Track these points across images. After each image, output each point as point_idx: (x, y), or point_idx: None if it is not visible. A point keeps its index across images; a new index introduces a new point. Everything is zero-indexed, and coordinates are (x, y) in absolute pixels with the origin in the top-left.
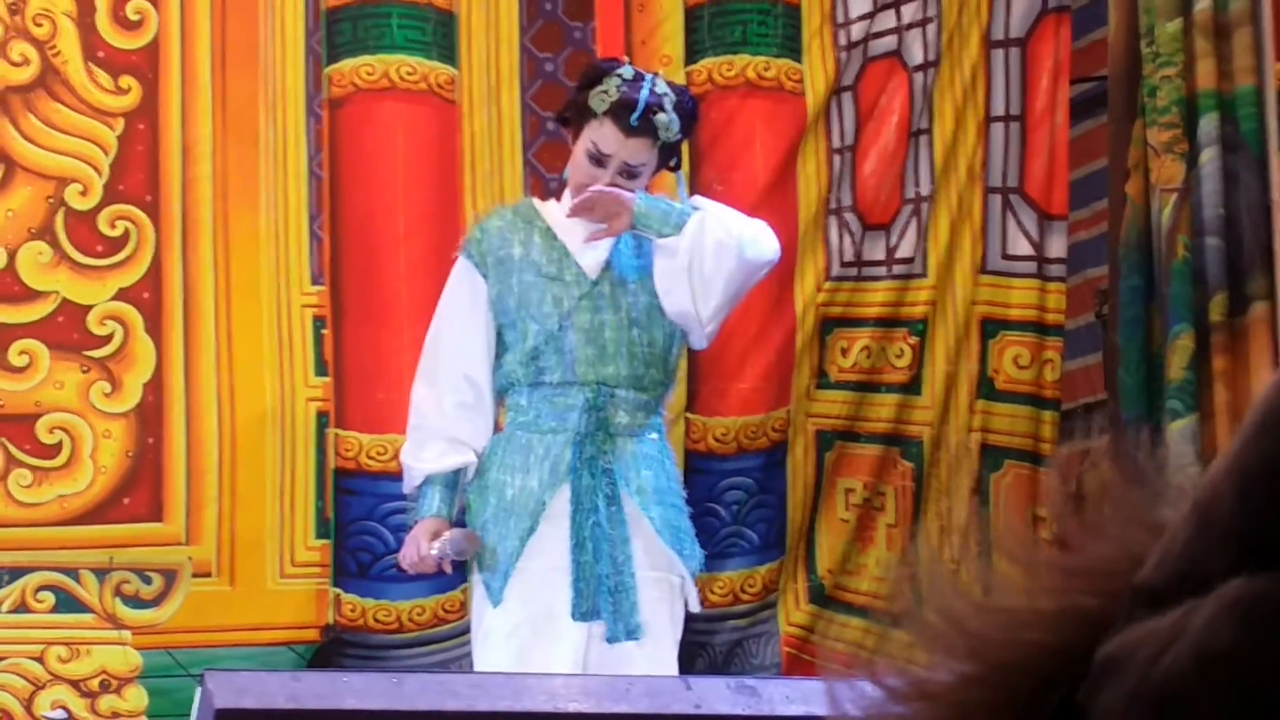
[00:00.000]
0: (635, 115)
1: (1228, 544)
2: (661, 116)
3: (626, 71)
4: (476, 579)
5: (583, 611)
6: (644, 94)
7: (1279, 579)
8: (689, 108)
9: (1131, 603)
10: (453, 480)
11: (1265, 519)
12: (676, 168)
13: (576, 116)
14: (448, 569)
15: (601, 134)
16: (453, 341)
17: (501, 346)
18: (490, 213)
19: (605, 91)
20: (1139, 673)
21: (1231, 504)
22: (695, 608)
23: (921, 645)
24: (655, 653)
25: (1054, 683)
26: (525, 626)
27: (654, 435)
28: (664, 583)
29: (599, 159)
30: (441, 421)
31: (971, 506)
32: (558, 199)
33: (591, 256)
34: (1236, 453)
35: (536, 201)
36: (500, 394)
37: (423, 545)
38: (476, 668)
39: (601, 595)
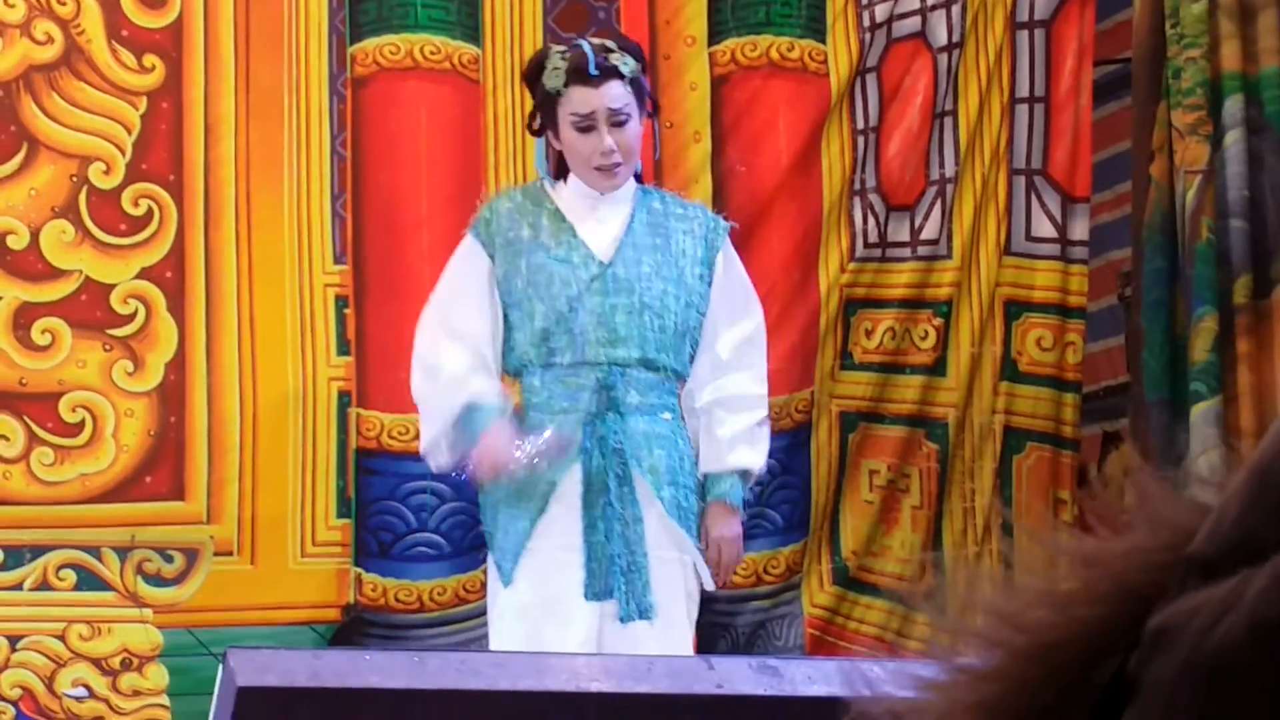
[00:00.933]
0: (591, 64)
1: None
2: (614, 56)
3: (557, 47)
4: (490, 559)
5: (595, 592)
6: (587, 48)
7: None
8: (631, 44)
9: (1184, 573)
10: (498, 402)
11: None
12: (655, 113)
13: (547, 113)
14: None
15: (573, 100)
16: (458, 319)
17: (509, 328)
18: (500, 194)
19: (554, 69)
20: (1192, 642)
21: None
22: (710, 585)
23: (967, 630)
24: (669, 632)
25: (1103, 656)
26: (537, 606)
27: (667, 414)
28: (676, 562)
29: (586, 124)
30: (461, 362)
31: (994, 488)
32: (565, 180)
33: (602, 237)
34: None
35: (546, 183)
36: (514, 375)
37: (502, 450)
38: (492, 647)
39: (614, 575)
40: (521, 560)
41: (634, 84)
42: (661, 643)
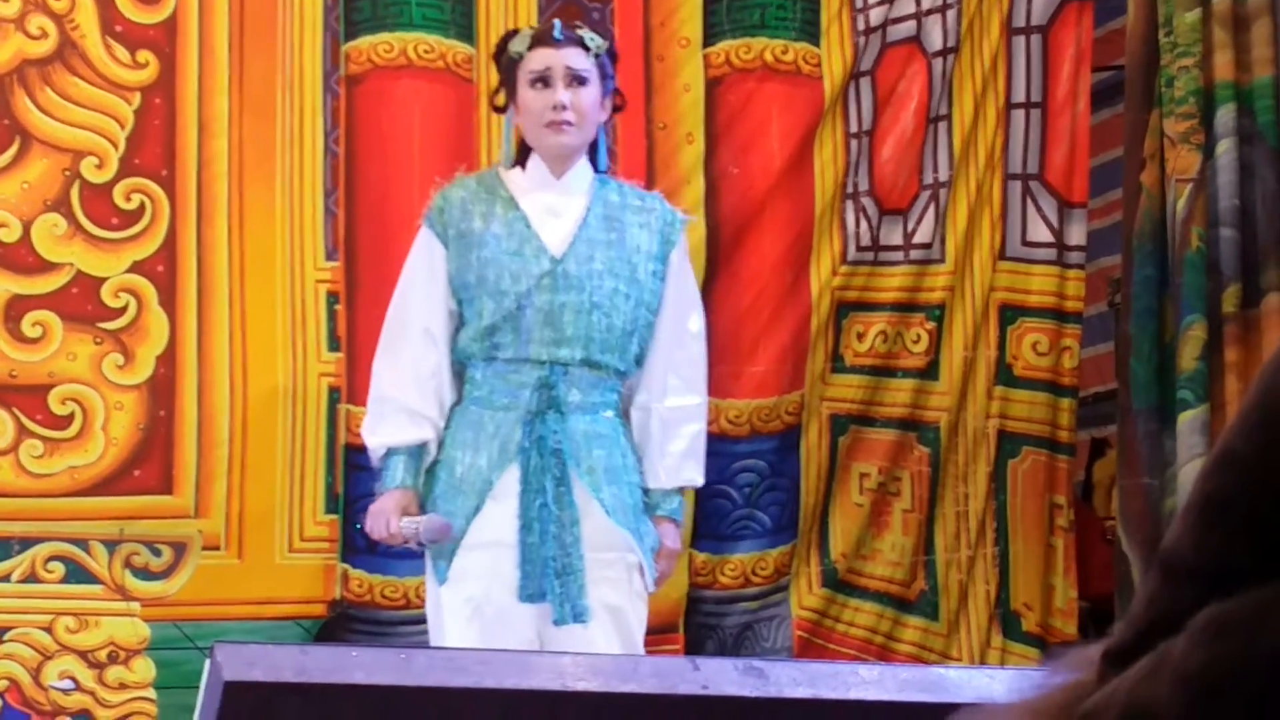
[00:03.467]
0: (557, 30)
1: (1192, 582)
2: (583, 30)
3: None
4: (427, 557)
5: (529, 593)
6: (556, 21)
7: (1244, 599)
8: (605, 34)
9: (1102, 672)
10: (417, 451)
11: (1221, 551)
12: (621, 107)
13: (509, 81)
14: (415, 548)
15: (533, 59)
16: (413, 313)
17: (460, 320)
18: (453, 181)
19: (521, 37)
20: (1118, 708)
21: (1190, 545)
22: (650, 588)
23: None
24: (611, 634)
25: None
26: (470, 605)
27: (608, 413)
28: (619, 563)
29: (543, 78)
30: (400, 394)
31: (989, 492)
32: (524, 167)
33: (555, 230)
34: (1190, 498)
35: (501, 170)
36: (459, 366)
37: (392, 521)
38: (431, 644)
39: (548, 577)
40: (456, 559)
41: (598, 59)
42: (602, 646)
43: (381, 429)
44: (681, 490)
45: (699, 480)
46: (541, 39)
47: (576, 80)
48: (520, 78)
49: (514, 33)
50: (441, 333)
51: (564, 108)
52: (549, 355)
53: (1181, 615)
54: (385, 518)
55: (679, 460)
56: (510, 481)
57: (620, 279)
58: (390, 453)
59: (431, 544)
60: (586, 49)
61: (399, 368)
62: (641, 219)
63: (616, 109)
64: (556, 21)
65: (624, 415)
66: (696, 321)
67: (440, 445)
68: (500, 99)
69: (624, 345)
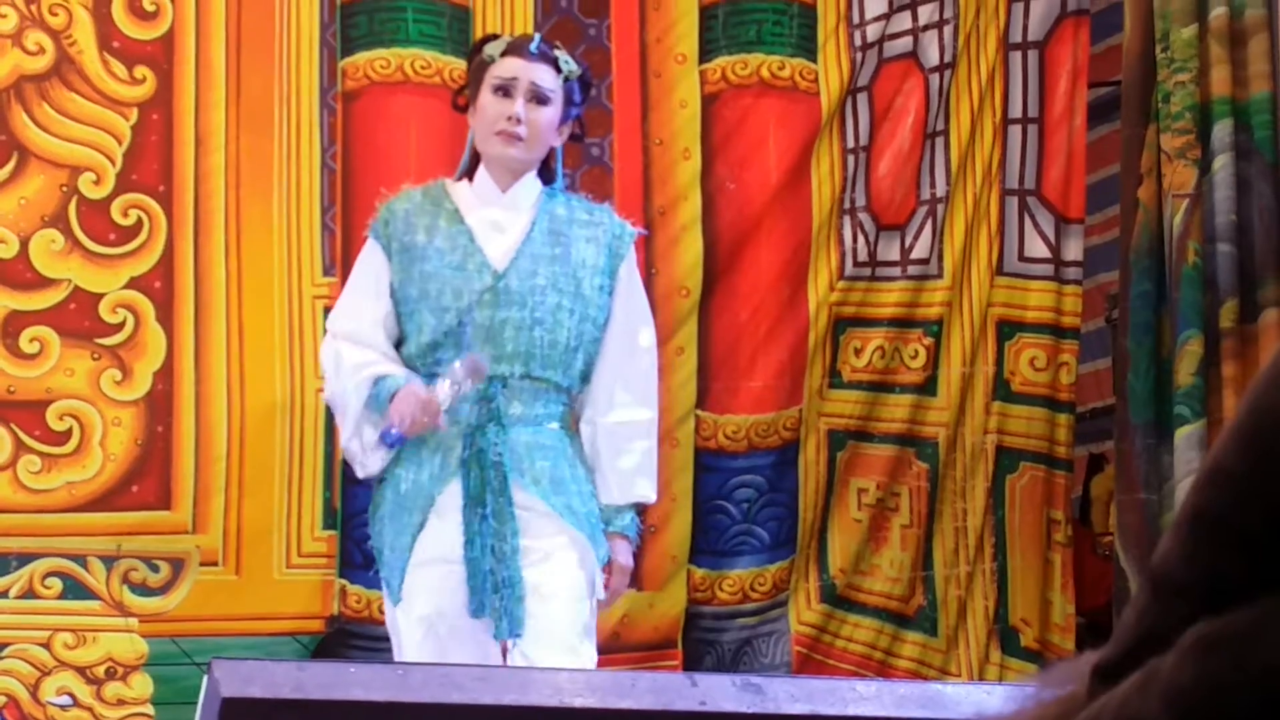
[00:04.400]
0: (534, 43)
1: (1181, 599)
2: (560, 53)
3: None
4: (381, 576)
5: (474, 609)
6: (537, 35)
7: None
8: (581, 66)
9: (1091, 688)
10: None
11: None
12: (579, 137)
13: (473, 83)
14: (458, 399)
15: (503, 66)
16: (355, 326)
17: (402, 334)
18: (399, 193)
19: (497, 42)
20: None
21: (1180, 561)
22: (601, 596)
23: None
24: (567, 633)
25: None
26: (424, 625)
27: (553, 424)
28: (569, 552)
29: (505, 87)
30: (356, 365)
31: (987, 507)
32: (471, 179)
33: (499, 245)
34: (1180, 513)
35: (448, 182)
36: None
37: (419, 392)
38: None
39: (486, 592)
40: (407, 578)
41: (567, 83)
42: (560, 649)
43: (363, 371)
44: (634, 506)
45: (651, 496)
46: (516, 49)
47: (538, 98)
48: (485, 82)
49: (494, 36)
50: (377, 339)
51: (518, 121)
52: (490, 370)
53: (1171, 631)
54: (411, 396)
55: (630, 476)
56: (452, 496)
57: (564, 294)
58: (377, 380)
59: (474, 379)
60: (558, 70)
61: (341, 362)
62: (589, 233)
63: (574, 137)
64: (537, 35)
65: (573, 429)
66: (647, 336)
67: (387, 463)
68: (463, 99)
69: (568, 361)
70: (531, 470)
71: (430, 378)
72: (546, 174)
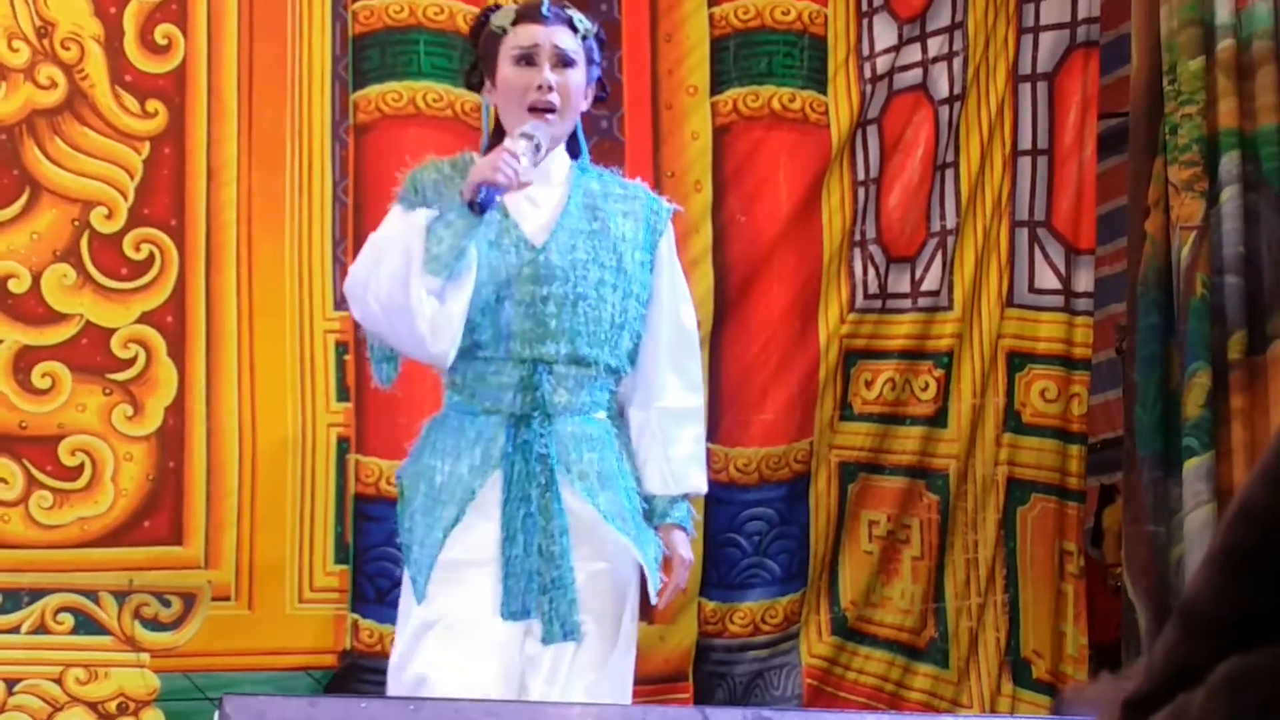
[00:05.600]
0: (545, 6)
1: (1212, 635)
2: (571, 10)
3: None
4: (406, 574)
5: (512, 610)
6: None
7: (1265, 653)
8: (594, 22)
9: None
10: None
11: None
12: (604, 96)
13: (488, 57)
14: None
15: (518, 35)
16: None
17: None
18: (423, 163)
19: (505, 12)
20: None
21: (1210, 597)
22: (653, 600)
23: None
24: (602, 653)
25: None
26: (452, 625)
27: (600, 414)
28: (610, 574)
29: (528, 56)
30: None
31: (998, 539)
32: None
33: (535, 220)
34: (1210, 550)
35: (476, 156)
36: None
37: (496, 151)
38: (396, 667)
39: (532, 593)
40: (435, 574)
41: (585, 42)
42: (591, 667)
43: (409, 226)
44: (687, 497)
45: (704, 487)
46: (528, 14)
47: (564, 61)
48: (502, 54)
49: (495, 8)
50: None
51: (549, 88)
52: (532, 352)
53: (1201, 667)
54: (483, 162)
55: (684, 464)
56: (493, 490)
57: (606, 269)
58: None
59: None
60: (575, 30)
61: (384, 239)
62: (625, 207)
63: (599, 98)
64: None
65: (618, 417)
66: (690, 316)
67: (418, 455)
68: (475, 76)
69: (614, 339)
70: (579, 464)
71: (468, 361)
72: (573, 146)
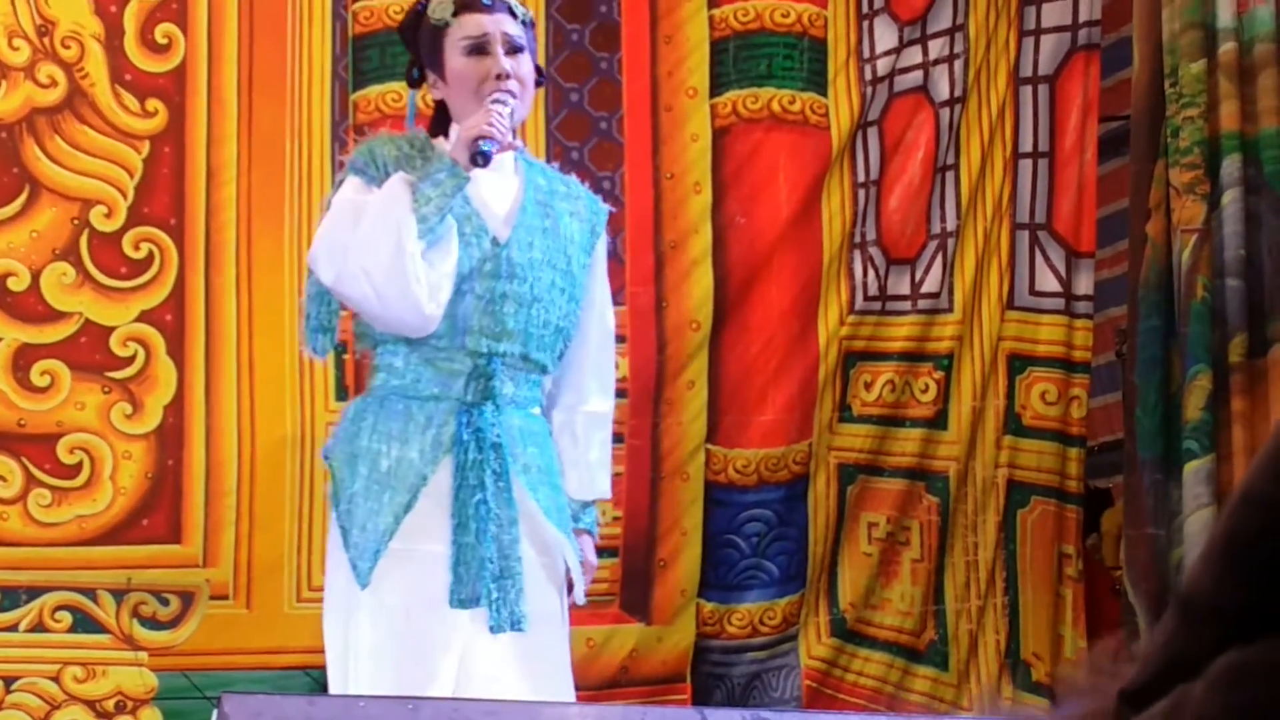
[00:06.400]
0: None
1: (1211, 626)
2: None
3: None
4: (340, 556)
5: (461, 598)
6: None
7: (1265, 646)
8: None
9: (1119, 712)
10: None
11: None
12: (541, 82)
13: (431, 50)
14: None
15: (464, 26)
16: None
17: None
18: (378, 137)
19: (441, 3)
20: None
21: (1210, 586)
22: (580, 600)
23: None
24: (544, 644)
25: None
26: (399, 612)
27: (536, 409)
28: (551, 568)
29: (478, 45)
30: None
31: (998, 542)
32: (446, 136)
33: (495, 212)
34: (1211, 539)
35: (426, 135)
36: (370, 347)
37: (483, 114)
38: (333, 655)
39: (483, 581)
40: (382, 560)
41: (527, 28)
42: (537, 655)
43: (393, 192)
44: (595, 502)
45: (609, 493)
46: (469, 5)
47: (514, 48)
48: (449, 45)
49: (425, 2)
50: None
51: (508, 76)
52: (486, 348)
53: (1200, 658)
54: (470, 124)
55: (596, 469)
56: (444, 476)
57: (557, 270)
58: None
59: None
60: (515, 16)
61: (363, 207)
62: (570, 206)
63: (538, 84)
64: None
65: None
66: (612, 320)
67: (353, 437)
68: (414, 73)
69: (554, 343)
70: (523, 456)
71: (411, 347)
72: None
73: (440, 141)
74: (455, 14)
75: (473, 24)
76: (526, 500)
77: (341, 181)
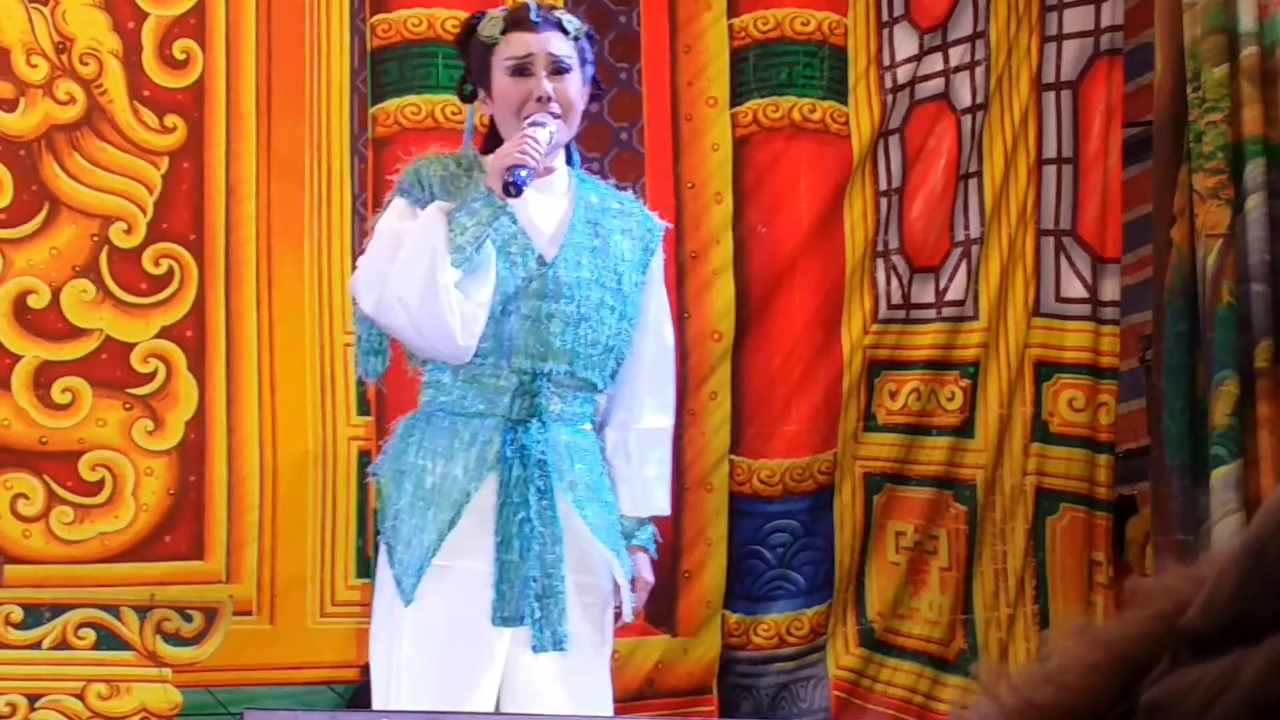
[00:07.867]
0: (533, 12)
1: (1278, 592)
2: (559, 12)
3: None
4: (386, 574)
5: (504, 616)
6: (530, 2)
7: None
8: (581, 19)
9: (1176, 648)
10: None
11: None
12: (600, 95)
13: (479, 67)
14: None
15: (510, 44)
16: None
17: None
18: (425, 157)
19: (491, 20)
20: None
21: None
22: (629, 618)
23: (993, 703)
24: (582, 665)
25: None
26: (441, 629)
27: (587, 425)
28: (595, 588)
29: (522, 66)
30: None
31: (1027, 550)
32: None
33: (542, 231)
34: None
35: (478, 154)
36: (419, 364)
37: (517, 140)
38: (377, 671)
39: (526, 600)
40: (426, 576)
41: (578, 43)
42: (575, 676)
43: (428, 223)
44: (650, 520)
45: (667, 509)
46: (517, 22)
47: (559, 69)
48: (495, 64)
49: (480, 15)
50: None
51: (548, 99)
52: (532, 366)
53: (1266, 623)
54: (504, 150)
55: (652, 486)
56: (489, 493)
57: (607, 289)
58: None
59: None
60: (566, 33)
61: (401, 239)
62: (623, 224)
63: (594, 97)
64: (531, 3)
65: (598, 431)
66: (671, 334)
67: (400, 454)
68: (466, 88)
69: (604, 361)
70: (570, 473)
71: (459, 366)
72: (568, 155)
73: (489, 160)
74: (504, 31)
75: (519, 43)
76: (572, 518)
77: (389, 202)
